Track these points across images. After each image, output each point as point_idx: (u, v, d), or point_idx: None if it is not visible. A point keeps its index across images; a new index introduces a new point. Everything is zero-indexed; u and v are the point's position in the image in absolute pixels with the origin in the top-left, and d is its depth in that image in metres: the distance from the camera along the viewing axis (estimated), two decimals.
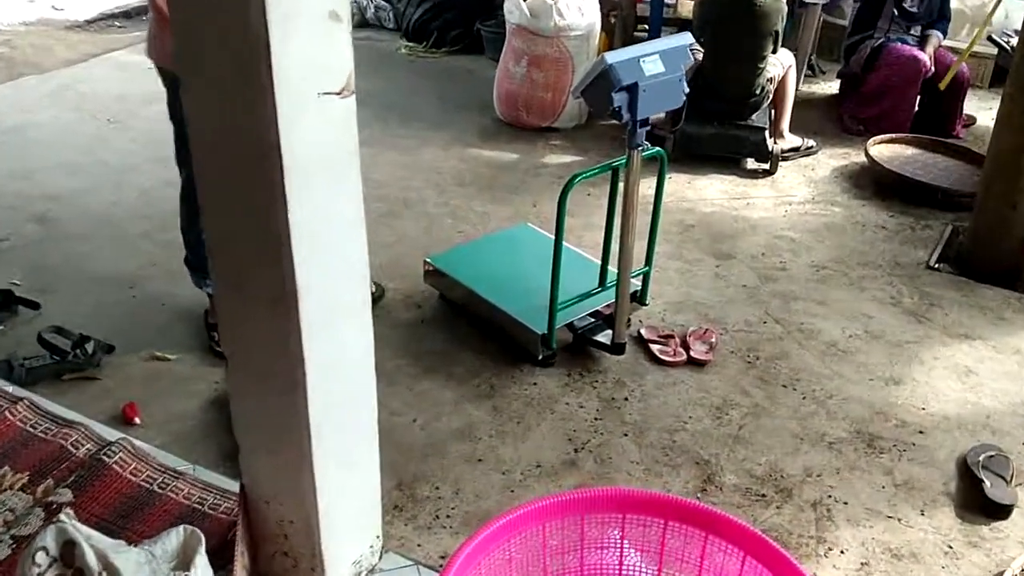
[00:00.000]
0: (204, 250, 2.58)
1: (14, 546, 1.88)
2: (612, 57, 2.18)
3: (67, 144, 4.22)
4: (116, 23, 6.14)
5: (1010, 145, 3.13)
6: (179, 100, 2.34)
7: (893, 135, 4.22)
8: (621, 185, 2.57)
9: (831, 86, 5.10)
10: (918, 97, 4.48)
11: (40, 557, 1.44)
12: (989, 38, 5.00)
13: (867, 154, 3.98)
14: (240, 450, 1.74)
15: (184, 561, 1.53)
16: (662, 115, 4.15)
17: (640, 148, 2.38)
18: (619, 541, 1.46)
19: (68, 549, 1.46)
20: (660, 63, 2.24)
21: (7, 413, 2.27)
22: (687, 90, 2.38)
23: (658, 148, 2.61)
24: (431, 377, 2.66)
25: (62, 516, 1.52)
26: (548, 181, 3.88)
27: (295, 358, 1.54)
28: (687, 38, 2.39)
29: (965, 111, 4.56)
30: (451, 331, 2.87)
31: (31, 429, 2.24)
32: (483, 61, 5.38)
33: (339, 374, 1.64)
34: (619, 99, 2.20)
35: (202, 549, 1.56)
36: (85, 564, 1.43)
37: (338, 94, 1.45)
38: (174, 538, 1.58)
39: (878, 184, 3.96)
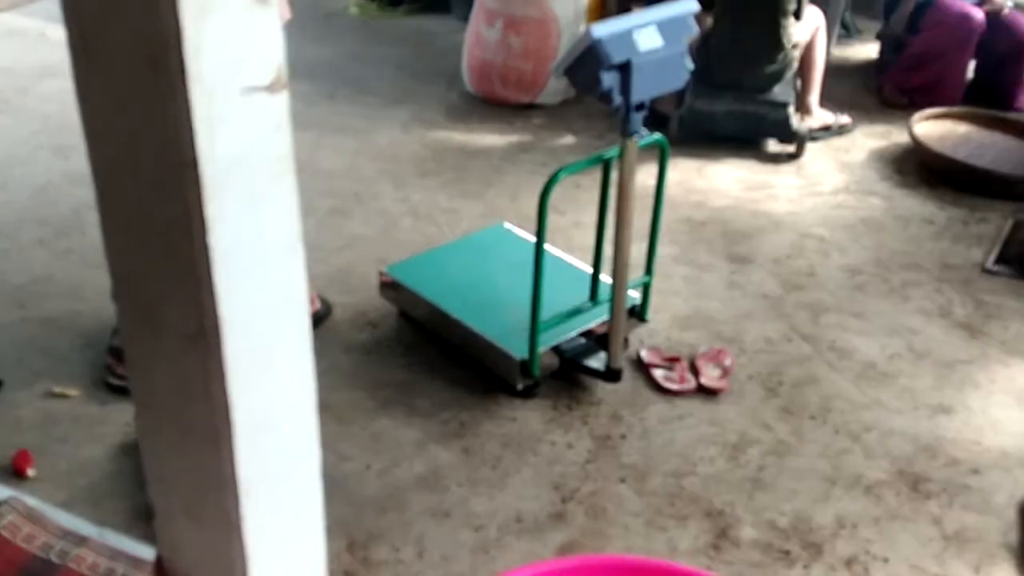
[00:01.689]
0: None
1: None
2: (600, 30, 2.20)
3: None
4: None
5: None
6: None
7: (943, 109, 4.29)
8: (615, 179, 2.60)
9: (869, 50, 5.16)
10: (972, 62, 4.54)
11: None
12: None
13: (911, 133, 4.04)
14: (155, 514, 1.75)
15: None
16: None
17: (636, 136, 2.41)
18: None
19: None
20: (658, 35, 2.26)
21: None
22: (691, 66, 2.41)
23: (659, 135, 2.64)
24: (389, 413, 2.68)
25: None
26: (529, 170, 3.90)
27: (219, 405, 1.54)
28: (691, 4, 2.42)
29: None
30: (413, 355, 2.89)
31: None
32: (450, 22, 5.40)
33: (274, 422, 1.65)
34: (609, 80, 2.23)
35: None
36: None
37: (267, 88, 1.46)
38: None
39: (925, 169, 4.01)
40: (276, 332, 1.59)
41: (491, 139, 4.21)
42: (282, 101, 1.50)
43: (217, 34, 1.36)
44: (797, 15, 3.96)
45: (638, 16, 2.31)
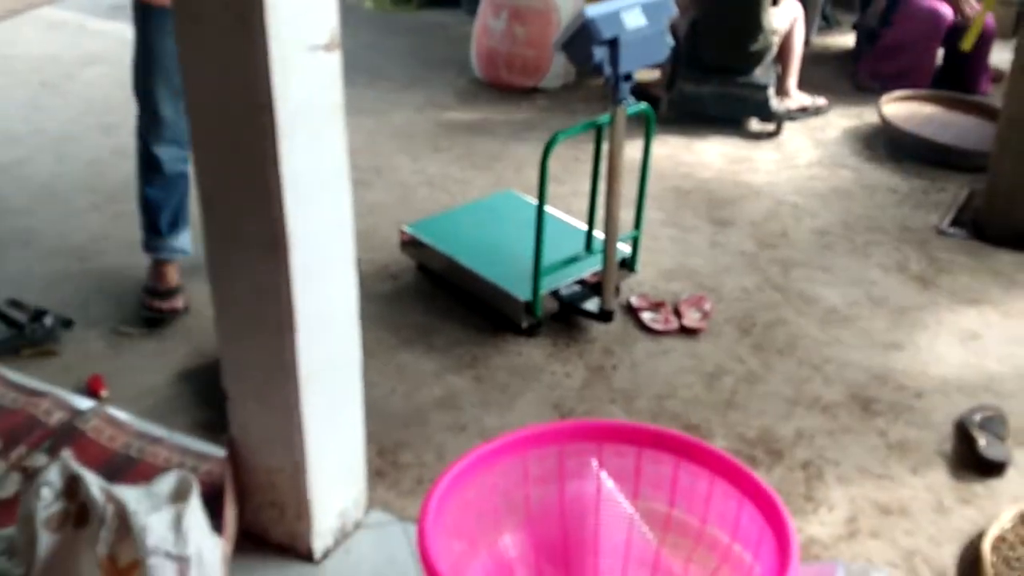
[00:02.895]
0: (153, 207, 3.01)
1: None
2: (592, 11, 2.58)
3: None
4: None
5: None
6: (148, 28, 2.76)
7: (910, 92, 4.66)
8: (606, 145, 2.98)
9: (846, 39, 5.54)
10: (940, 51, 4.92)
11: (45, 491, 1.83)
12: None
13: (880, 113, 4.41)
14: (228, 399, 2.13)
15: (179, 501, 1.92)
16: (657, 74, 4.57)
17: (624, 104, 2.78)
18: (597, 470, 1.86)
19: (72, 484, 1.84)
20: (642, 16, 2.64)
21: None
22: (671, 43, 2.79)
23: (645, 104, 3.02)
24: (410, 349, 3.05)
25: (64, 454, 1.91)
26: (533, 146, 4.27)
27: (286, 305, 1.93)
28: None
29: (992, 65, 5.00)
30: (430, 302, 3.27)
31: None
32: (459, 15, 5.79)
33: (327, 323, 2.04)
34: (600, 53, 2.61)
35: (196, 492, 1.95)
36: (89, 498, 1.82)
37: (325, 47, 1.85)
38: (166, 482, 1.97)
39: (892, 145, 4.39)
40: (330, 244, 2.00)
41: (498, 119, 4.60)
42: (336, 59, 1.90)
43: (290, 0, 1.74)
44: (775, 1, 4.34)
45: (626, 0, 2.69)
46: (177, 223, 3.10)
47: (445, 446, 2.67)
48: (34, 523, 1.82)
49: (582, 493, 1.88)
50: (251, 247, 1.90)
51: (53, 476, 1.84)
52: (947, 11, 4.77)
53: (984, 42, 4.84)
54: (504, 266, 3.16)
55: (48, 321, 2.96)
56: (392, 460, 2.61)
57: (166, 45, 2.75)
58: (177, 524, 1.82)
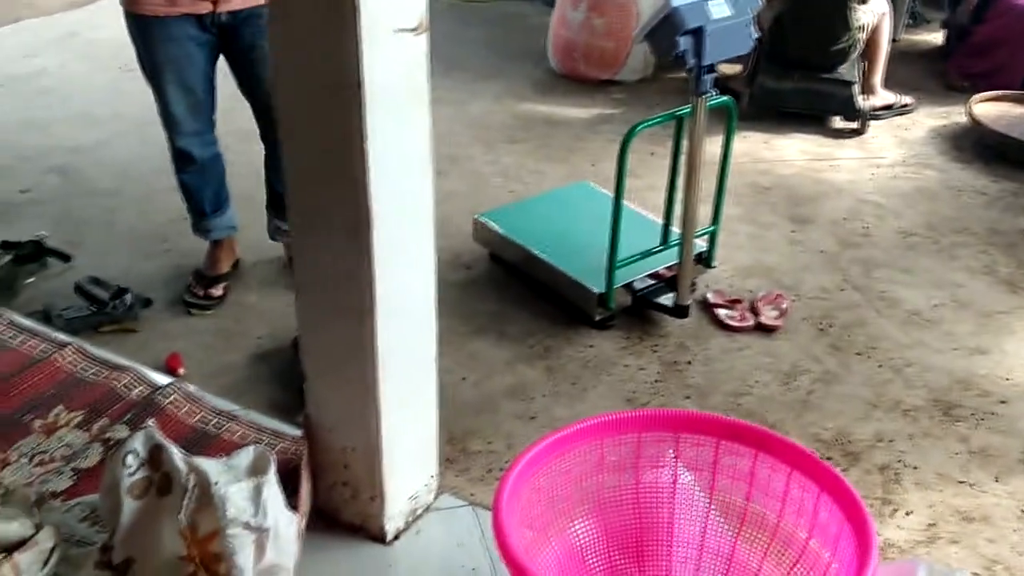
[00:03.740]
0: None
1: (76, 478, 2.35)
2: (678, 0, 2.59)
3: (81, 94, 4.74)
4: None
5: None
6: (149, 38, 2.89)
7: (1001, 92, 4.56)
8: (685, 140, 2.97)
9: (934, 36, 5.43)
10: None
11: (130, 459, 1.89)
12: None
13: (970, 113, 4.33)
14: (306, 378, 2.18)
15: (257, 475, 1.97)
16: (738, 68, 4.54)
17: (706, 95, 2.78)
18: (673, 460, 1.87)
19: (156, 453, 1.90)
20: (727, 6, 2.64)
21: (55, 356, 2.74)
22: (755, 35, 2.78)
23: (727, 97, 3.01)
24: (482, 337, 3.09)
25: (149, 423, 1.97)
26: (609, 139, 4.28)
27: (367, 288, 1.97)
28: None
29: None
30: (503, 292, 3.30)
31: (80, 372, 2.71)
32: (536, 6, 5.82)
33: (405, 305, 2.07)
34: (684, 43, 2.60)
35: (273, 467, 2.00)
36: (173, 467, 1.88)
37: (413, 31, 1.88)
38: (245, 456, 2.02)
39: (980, 146, 4.30)
40: (411, 228, 2.03)
41: (574, 111, 4.61)
42: (423, 42, 1.94)
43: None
44: None
45: None
46: (220, 203, 3.21)
47: (515, 435, 2.70)
48: (119, 490, 1.88)
49: (658, 483, 1.89)
50: (335, 230, 1.94)
51: (138, 445, 1.91)
52: None
53: None
54: (578, 258, 3.17)
55: (128, 299, 3.06)
56: (462, 447, 2.65)
57: (168, 50, 2.89)
58: (256, 496, 1.87)
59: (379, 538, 2.23)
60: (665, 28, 2.63)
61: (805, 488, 1.76)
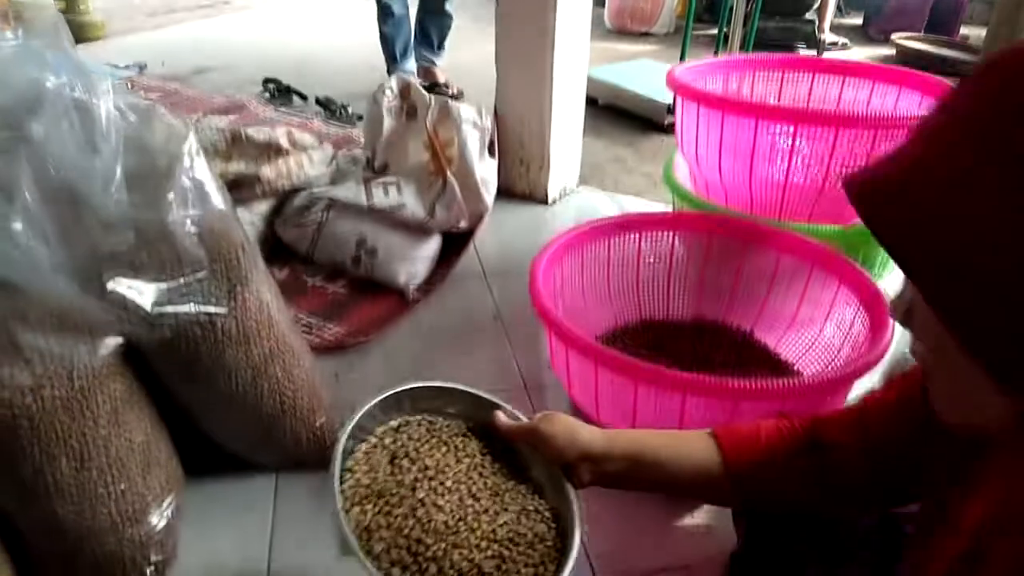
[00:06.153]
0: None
1: None
2: None
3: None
4: None
5: None
6: None
7: (915, 34, 5.93)
8: None
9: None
10: None
11: (388, 91, 2.79)
12: None
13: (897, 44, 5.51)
14: (497, 80, 3.09)
15: None
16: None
17: None
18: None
19: (406, 89, 2.80)
20: None
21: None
22: None
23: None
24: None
25: (401, 71, 2.85)
26: None
27: (551, 9, 2.89)
28: None
29: None
30: None
31: None
32: None
33: (573, 29, 3.00)
34: None
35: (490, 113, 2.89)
36: (420, 99, 2.78)
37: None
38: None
39: (901, 64, 5.34)
40: None
41: (626, 51, 5.69)
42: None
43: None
44: None
45: None
46: (406, 52, 4.25)
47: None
48: (380, 110, 2.78)
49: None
50: None
51: (392, 83, 2.82)
52: None
53: None
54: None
55: (350, 109, 4.16)
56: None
57: None
58: (480, 110, 2.77)
59: (543, 201, 3.13)
60: None
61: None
